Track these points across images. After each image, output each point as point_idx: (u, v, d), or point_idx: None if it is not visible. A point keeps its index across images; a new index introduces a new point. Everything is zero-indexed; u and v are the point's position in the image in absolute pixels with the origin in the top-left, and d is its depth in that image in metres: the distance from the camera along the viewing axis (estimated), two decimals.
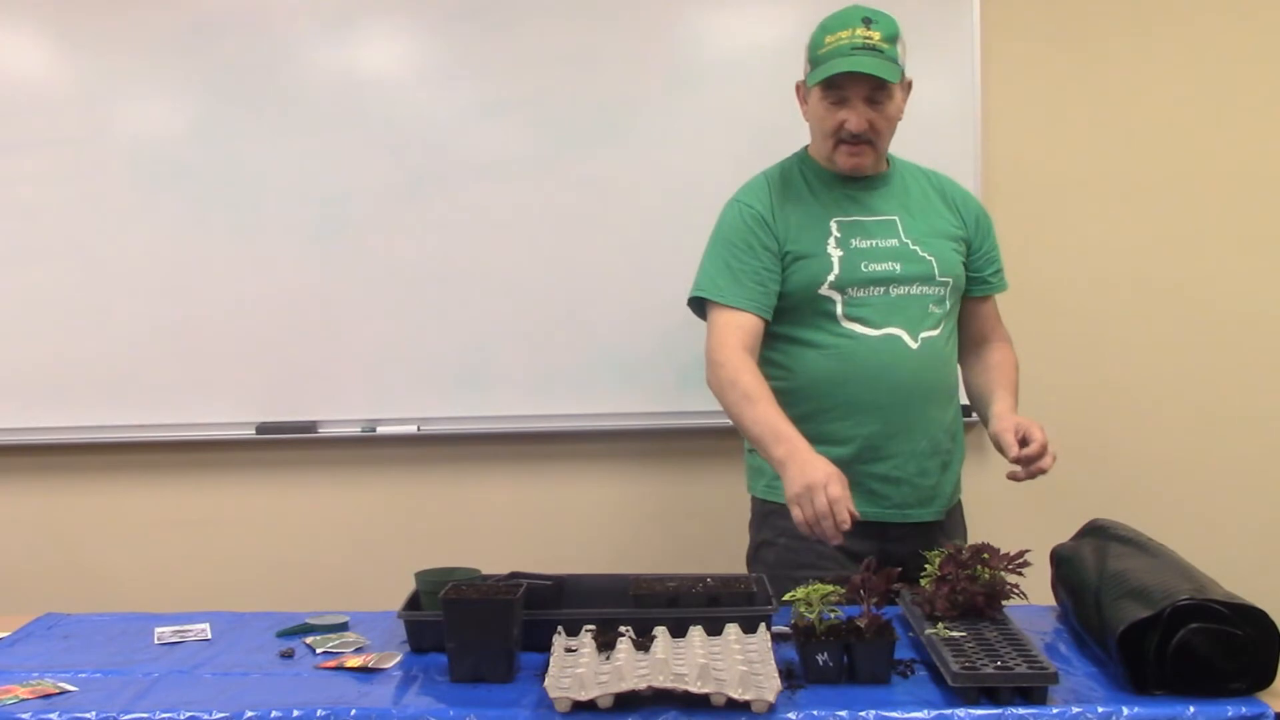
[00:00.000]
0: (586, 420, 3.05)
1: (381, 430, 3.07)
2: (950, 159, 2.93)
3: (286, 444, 3.10)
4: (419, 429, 3.06)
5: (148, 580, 3.14)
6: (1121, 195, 3.03)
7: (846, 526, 1.92)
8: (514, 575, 1.89)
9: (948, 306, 2.26)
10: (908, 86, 2.23)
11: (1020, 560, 1.80)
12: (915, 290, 2.21)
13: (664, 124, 2.98)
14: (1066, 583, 1.86)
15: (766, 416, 2.09)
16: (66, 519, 3.16)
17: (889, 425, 2.20)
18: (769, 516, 2.28)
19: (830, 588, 1.68)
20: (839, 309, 2.19)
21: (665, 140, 2.98)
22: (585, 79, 2.98)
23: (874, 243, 2.21)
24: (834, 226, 2.21)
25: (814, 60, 2.18)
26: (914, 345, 2.19)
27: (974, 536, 1.93)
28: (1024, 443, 2.09)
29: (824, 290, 2.18)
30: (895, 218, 2.25)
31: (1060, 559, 1.92)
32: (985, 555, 1.81)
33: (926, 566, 1.85)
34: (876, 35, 2.12)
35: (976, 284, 2.34)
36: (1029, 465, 2.09)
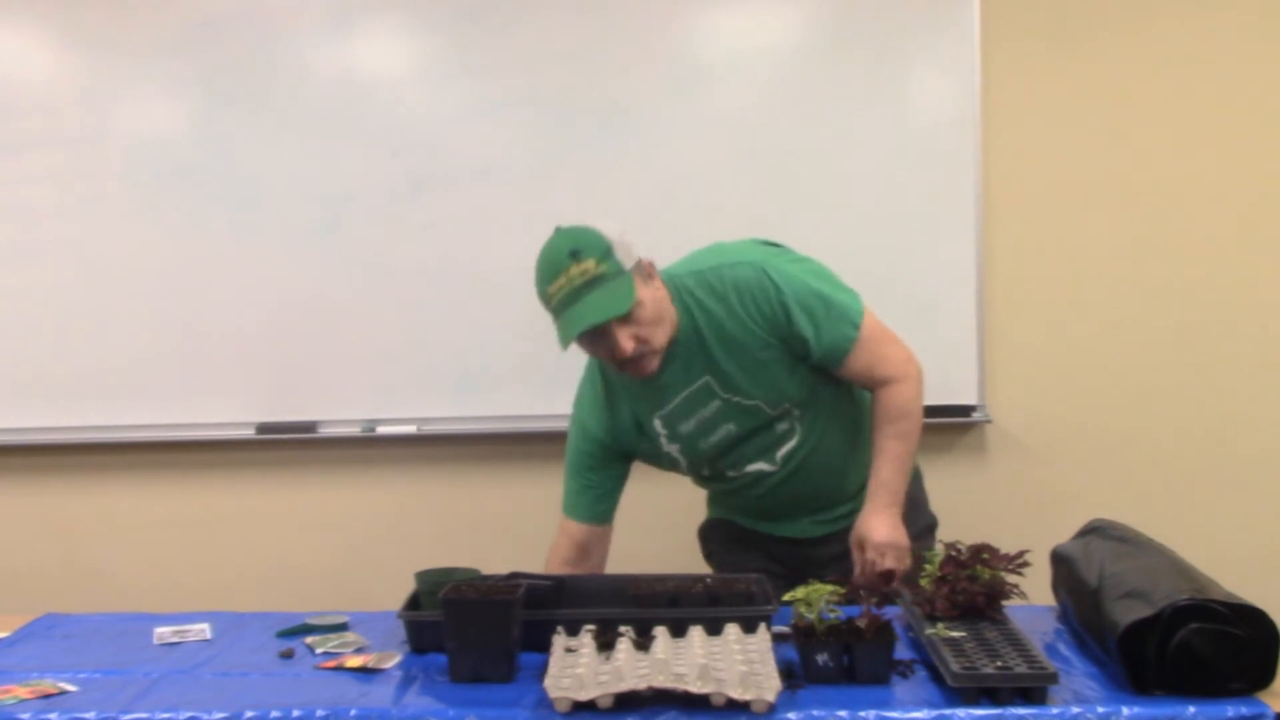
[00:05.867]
0: None
1: (381, 430, 3.07)
2: (950, 159, 2.94)
3: (286, 444, 3.10)
4: (419, 429, 3.06)
5: (148, 580, 3.14)
6: (1121, 195, 3.03)
7: None
8: (514, 575, 1.89)
9: (798, 414, 2.14)
10: (649, 267, 2.05)
11: (1020, 560, 1.80)
12: (761, 431, 2.15)
13: (664, 124, 2.98)
14: (1066, 583, 1.86)
15: None
16: (66, 519, 3.16)
17: (775, 523, 2.28)
18: (706, 531, 2.45)
19: (830, 587, 1.68)
20: (705, 471, 2.24)
21: (665, 140, 2.98)
22: (585, 79, 2.98)
23: (699, 419, 2.14)
24: (658, 424, 2.16)
25: (550, 312, 2.04)
26: (774, 469, 2.18)
27: (974, 536, 1.93)
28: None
29: (683, 473, 2.26)
30: (705, 379, 2.10)
31: (1060, 559, 1.92)
32: (985, 555, 1.80)
33: (926, 566, 1.85)
34: (590, 264, 1.96)
35: (817, 363, 2.12)
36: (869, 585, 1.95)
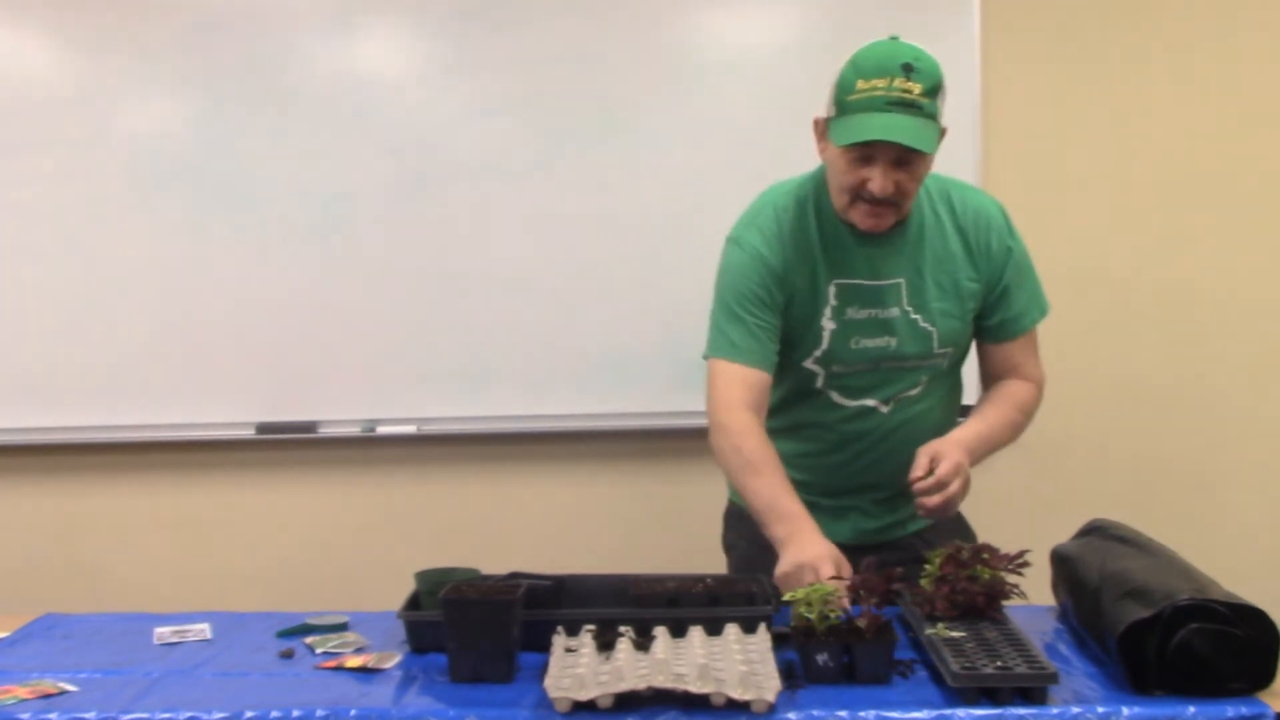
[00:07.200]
0: (586, 420, 3.05)
1: (381, 430, 3.07)
2: (950, 159, 2.93)
3: (286, 444, 3.10)
4: (419, 429, 3.06)
5: (148, 580, 3.14)
6: (1121, 195, 3.03)
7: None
8: (514, 575, 1.89)
9: (945, 367, 2.11)
10: (943, 134, 1.93)
11: (1020, 560, 1.80)
12: (909, 364, 2.06)
13: (664, 124, 2.98)
14: (1066, 583, 1.86)
15: (769, 491, 1.94)
16: (66, 519, 3.16)
17: (822, 513, 2.03)
18: (731, 518, 2.29)
19: (830, 588, 1.68)
20: (819, 381, 2.06)
21: (665, 140, 2.98)
22: (585, 79, 2.98)
23: (872, 313, 2.02)
24: (832, 292, 2.01)
25: (841, 105, 1.90)
26: (885, 410, 2.07)
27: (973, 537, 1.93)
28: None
29: (808, 364, 2.05)
30: (901, 280, 2.01)
31: (1060, 559, 1.92)
32: (985, 555, 1.80)
33: (926, 566, 1.85)
34: (917, 88, 1.84)
35: (981, 332, 2.13)
36: (919, 494, 1.92)
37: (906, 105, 1.84)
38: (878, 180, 1.89)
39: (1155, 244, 3.04)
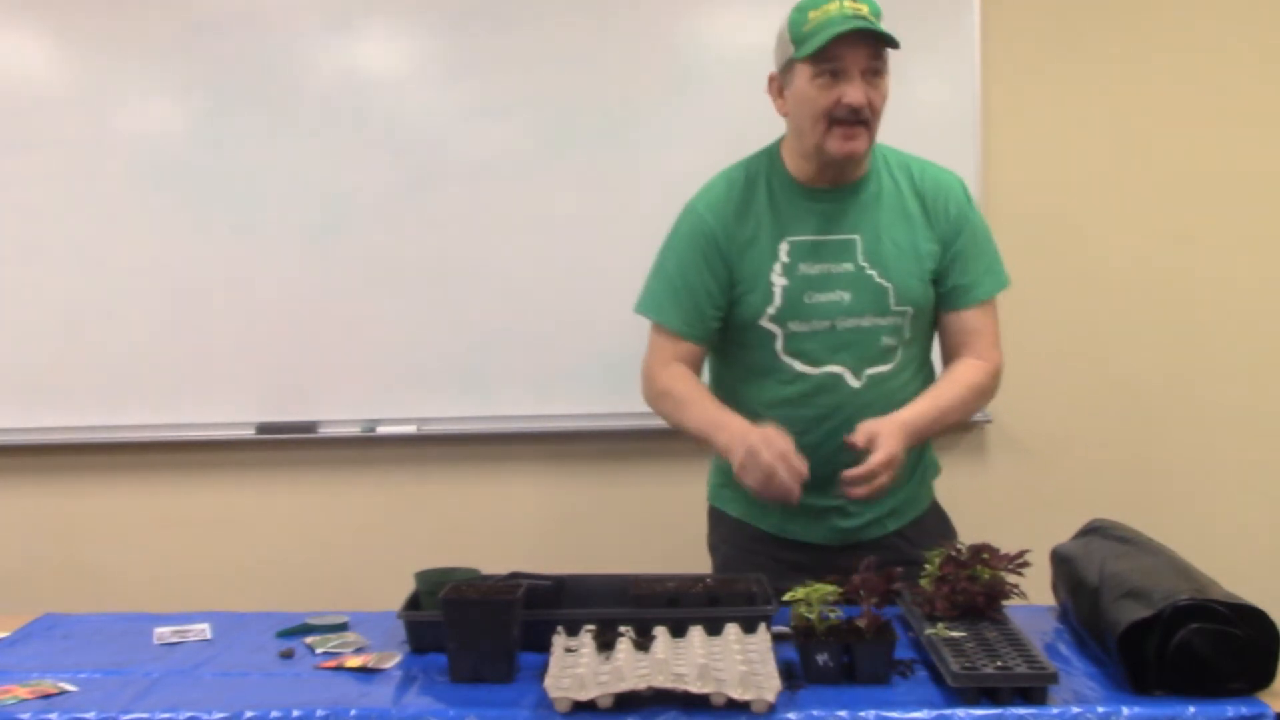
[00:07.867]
0: (586, 420, 3.05)
1: (381, 430, 3.07)
2: (950, 159, 2.93)
3: (286, 444, 3.10)
4: (419, 429, 3.07)
5: (148, 580, 3.14)
6: (1121, 195, 3.03)
7: (799, 476, 1.85)
8: (514, 575, 1.89)
9: (907, 336, 2.09)
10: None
11: (1020, 560, 1.80)
12: (866, 322, 2.05)
13: (664, 124, 2.98)
14: (1066, 583, 1.86)
15: (703, 412, 2.05)
16: (66, 519, 3.16)
17: (822, 467, 2.01)
18: (713, 520, 2.31)
19: (830, 587, 1.68)
20: (778, 344, 2.07)
21: (665, 140, 2.98)
22: (585, 79, 2.98)
23: (825, 268, 2.05)
24: (784, 249, 2.05)
25: (799, 39, 1.97)
26: (857, 384, 2.06)
27: (974, 536, 1.93)
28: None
29: (764, 322, 2.07)
30: (856, 236, 2.05)
31: (1060, 559, 1.92)
32: (985, 555, 1.80)
33: (926, 566, 1.85)
34: (864, 8, 1.96)
35: (935, 299, 2.12)
36: (845, 482, 1.91)
37: (859, 17, 1.95)
38: (852, 91, 1.96)
39: (1155, 243, 3.04)
